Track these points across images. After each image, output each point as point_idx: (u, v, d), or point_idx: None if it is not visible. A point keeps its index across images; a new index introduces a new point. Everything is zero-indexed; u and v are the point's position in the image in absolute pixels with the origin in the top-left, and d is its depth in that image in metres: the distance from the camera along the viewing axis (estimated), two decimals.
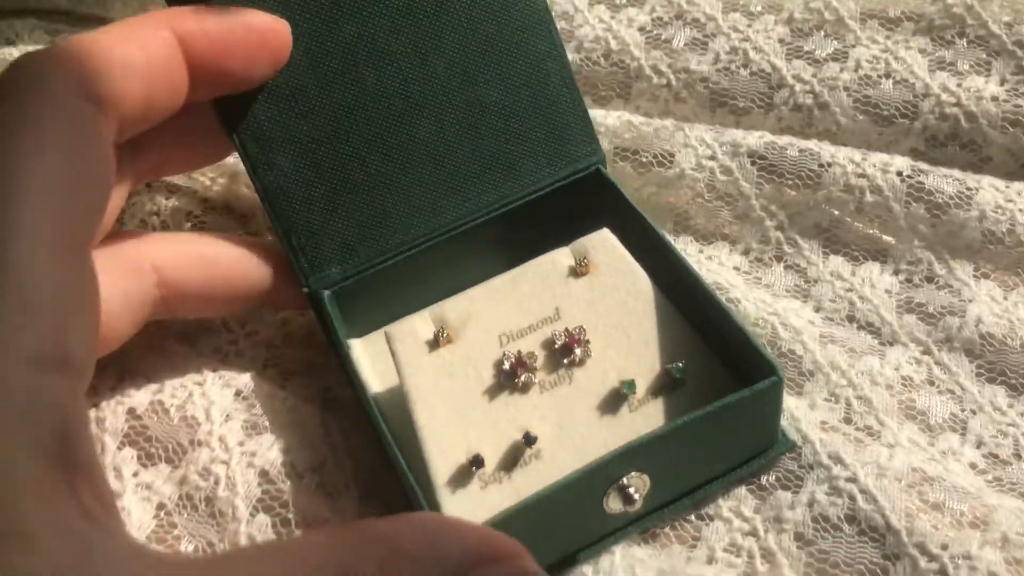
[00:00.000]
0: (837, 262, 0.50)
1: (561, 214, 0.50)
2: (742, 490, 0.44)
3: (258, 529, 0.42)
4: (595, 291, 0.45)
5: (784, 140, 0.52)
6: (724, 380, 0.44)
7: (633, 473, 0.40)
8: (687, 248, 0.53)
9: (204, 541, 0.43)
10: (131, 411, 0.46)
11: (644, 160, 0.54)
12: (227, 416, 0.45)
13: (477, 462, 0.41)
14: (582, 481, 0.39)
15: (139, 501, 0.43)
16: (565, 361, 0.44)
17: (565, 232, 0.47)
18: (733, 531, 0.43)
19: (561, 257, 0.46)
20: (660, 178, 0.53)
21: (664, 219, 0.54)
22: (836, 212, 0.51)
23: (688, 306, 0.45)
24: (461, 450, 0.42)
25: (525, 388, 0.43)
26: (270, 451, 0.44)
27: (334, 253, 0.47)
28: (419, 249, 0.48)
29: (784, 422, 0.44)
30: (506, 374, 0.43)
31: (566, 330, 0.44)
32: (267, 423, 0.46)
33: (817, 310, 0.49)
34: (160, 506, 0.43)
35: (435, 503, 0.41)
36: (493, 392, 0.43)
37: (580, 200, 0.50)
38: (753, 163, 0.51)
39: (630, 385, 0.43)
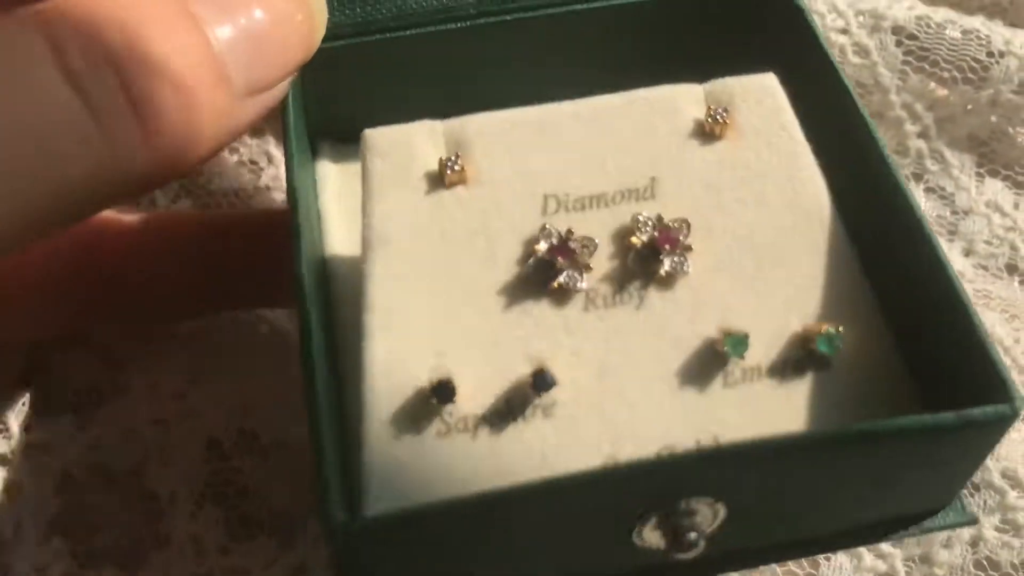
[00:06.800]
0: (995, 188, 0.39)
1: (704, 43, 0.31)
2: None
3: None
4: (726, 170, 0.27)
5: (941, 15, 0.39)
6: (894, 373, 0.25)
7: (702, 499, 0.22)
8: None
9: None
10: None
11: None
12: None
13: (443, 391, 0.24)
14: (605, 489, 0.21)
15: None
16: (642, 271, 0.25)
17: (706, 71, 0.28)
18: (863, 571, 0.31)
19: (686, 99, 0.27)
20: None
21: None
22: (1002, 121, 0.39)
23: (870, 239, 0.26)
24: (426, 367, 0.24)
25: (563, 295, 0.25)
26: None
27: None
28: (455, 25, 0.29)
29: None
30: (538, 263, 0.25)
31: (659, 219, 0.26)
32: None
33: (967, 254, 0.38)
34: None
35: (360, 441, 0.24)
36: (509, 287, 0.25)
37: (740, 27, 0.31)
38: (899, 43, 0.39)
39: (739, 342, 0.25)
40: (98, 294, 0.31)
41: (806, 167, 0.27)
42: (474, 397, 0.24)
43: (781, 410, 0.25)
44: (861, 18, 0.39)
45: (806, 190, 0.26)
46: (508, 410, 0.24)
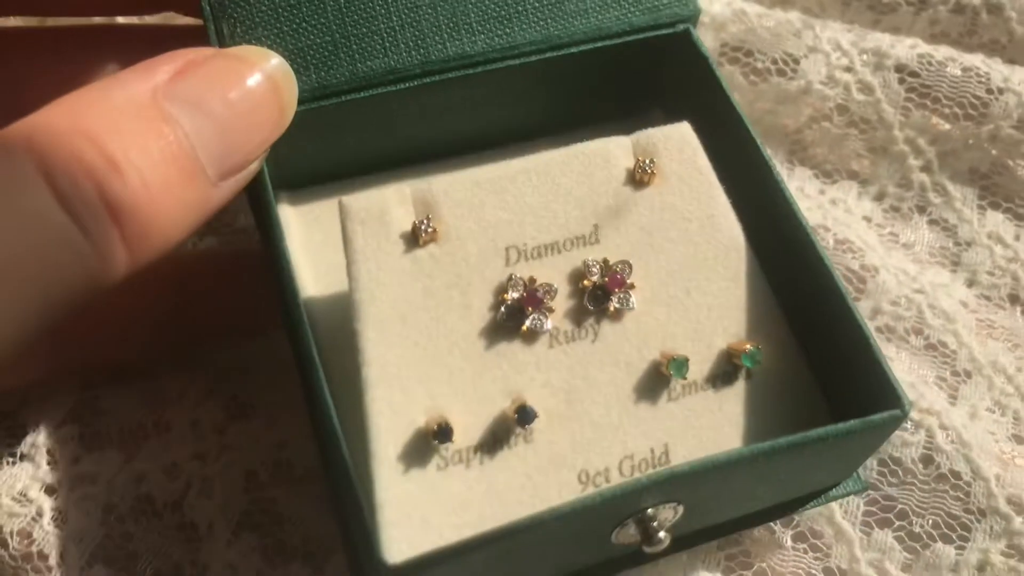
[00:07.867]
0: (996, 220, 0.39)
1: (622, 91, 0.35)
2: (887, 538, 0.32)
3: None
4: (656, 213, 0.31)
5: (942, 53, 0.40)
6: (803, 380, 0.31)
7: (667, 504, 0.27)
8: (804, 186, 0.39)
9: None
10: None
11: (760, 65, 0.40)
12: None
13: (443, 433, 0.28)
14: (593, 511, 0.26)
15: None
16: (595, 308, 0.30)
17: (622, 121, 0.33)
18: None
19: (616, 150, 0.31)
20: (779, 91, 0.39)
21: (776, 146, 0.40)
22: (1002, 154, 0.40)
23: (780, 268, 0.31)
24: (421, 409, 0.28)
25: (531, 336, 0.29)
26: None
27: None
28: (404, 86, 0.32)
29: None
30: (509, 310, 0.29)
31: (605, 263, 0.30)
32: None
33: (971, 284, 0.38)
34: None
35: (371, 481, 0.27)
36: (485, 333, 0.29)
37: (652, 77, 0.35)
38: (901, 81, 0.40)
39: (681, 365, 0.29)
40: (66, 337, 0.33)
41: (721, 207, 0.31)
42: (464, 433, 0.28)
43: (715, 417, 0.30)
44: (865, 56, 0.40)
45: (723, 227, 0.31)
46: (494, 441, 0.28)
